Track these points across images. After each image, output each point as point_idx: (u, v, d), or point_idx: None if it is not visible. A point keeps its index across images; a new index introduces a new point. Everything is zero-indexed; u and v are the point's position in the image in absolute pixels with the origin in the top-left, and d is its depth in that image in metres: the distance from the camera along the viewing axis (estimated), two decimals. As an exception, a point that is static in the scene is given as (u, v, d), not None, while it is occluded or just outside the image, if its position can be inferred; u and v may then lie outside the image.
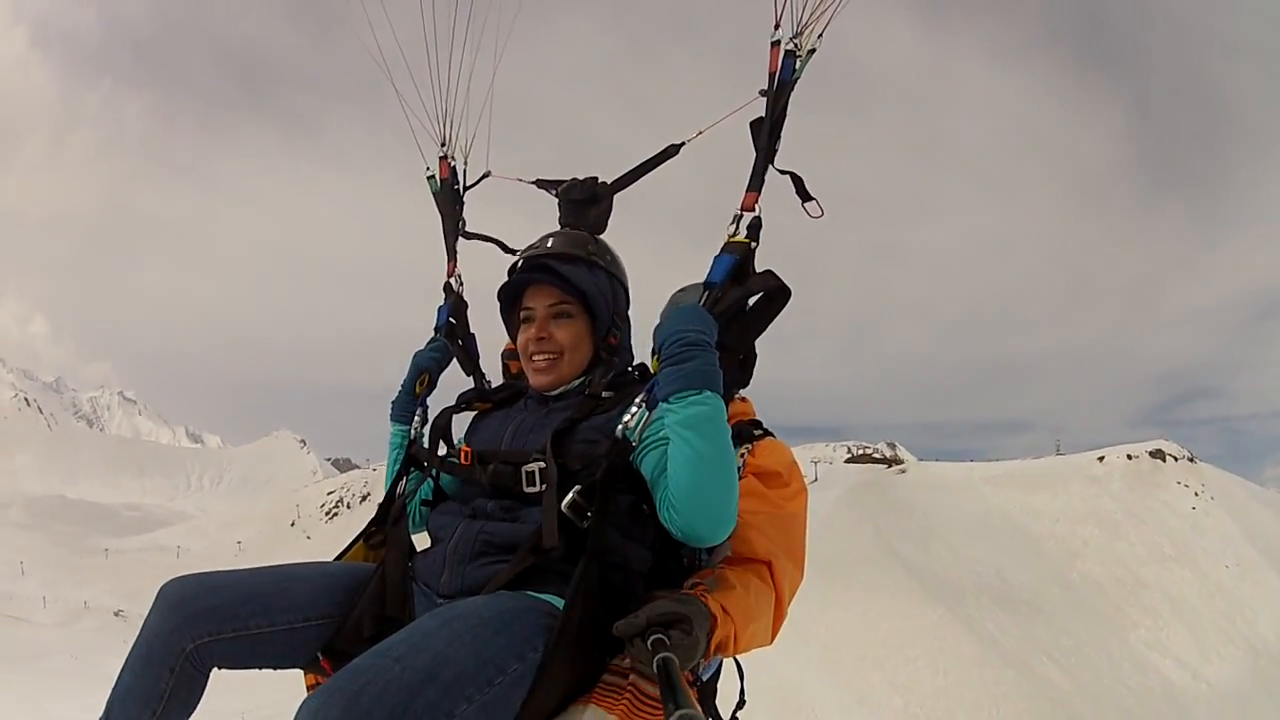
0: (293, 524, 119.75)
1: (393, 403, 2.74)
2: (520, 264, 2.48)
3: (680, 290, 2.81)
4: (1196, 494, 44.20)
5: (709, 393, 1.93)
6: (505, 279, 2.52)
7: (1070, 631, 31.09)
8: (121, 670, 2.08)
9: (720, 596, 2.00)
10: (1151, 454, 46.87)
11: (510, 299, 2.49)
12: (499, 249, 2.94)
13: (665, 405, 1.98)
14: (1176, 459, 47.13)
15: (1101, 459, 46.27)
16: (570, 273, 2.35)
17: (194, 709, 2.11)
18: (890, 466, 49.95)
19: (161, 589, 2.09)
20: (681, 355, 1.97)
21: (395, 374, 2.78)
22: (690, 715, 1.24)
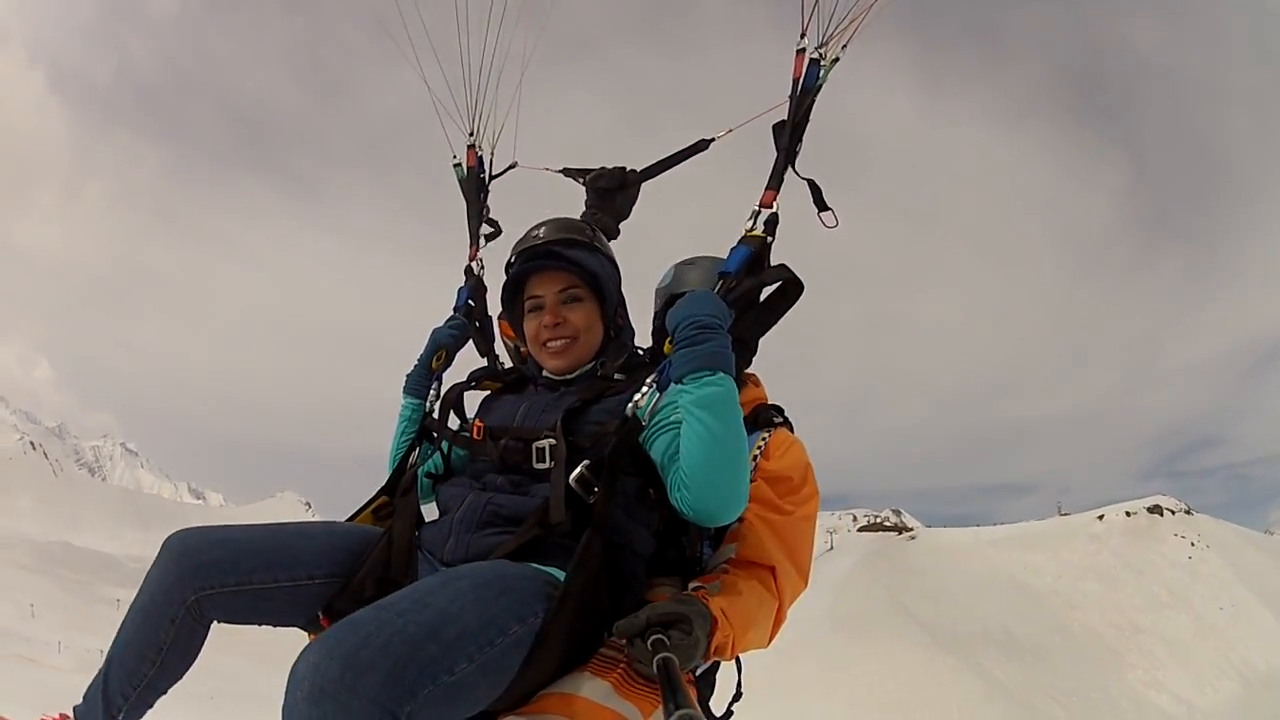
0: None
1: (407, 375, 2.73)
2: (520, 254, 2.42)
3: (685, 262, 2.81)
4: (1193, 544, 47.86)
5: (722, 374, 1.93)
6: (505, 273, 2.48)
7: (1071, 675, 34.83)
8: (122, 622, 2.11)
9: (721, 600, 1.99)
10: (1149, 509, 50.68)
11: (512, 291, 2.42)
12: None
13: (679, 386, 1.96)
14: (1174, 512, 50.85)
15: (1101, 517, 50.11)
16: (577, 256, 2.33)
17: (192, 661, 2.11)
18: (900, 534, 53.57)
19: (166, 540, 2.08)
20: (695, 337, 1.96)
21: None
22: (690, 715, 1.21)
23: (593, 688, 1.76)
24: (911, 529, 58.91)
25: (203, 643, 2.11)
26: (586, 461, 2.03)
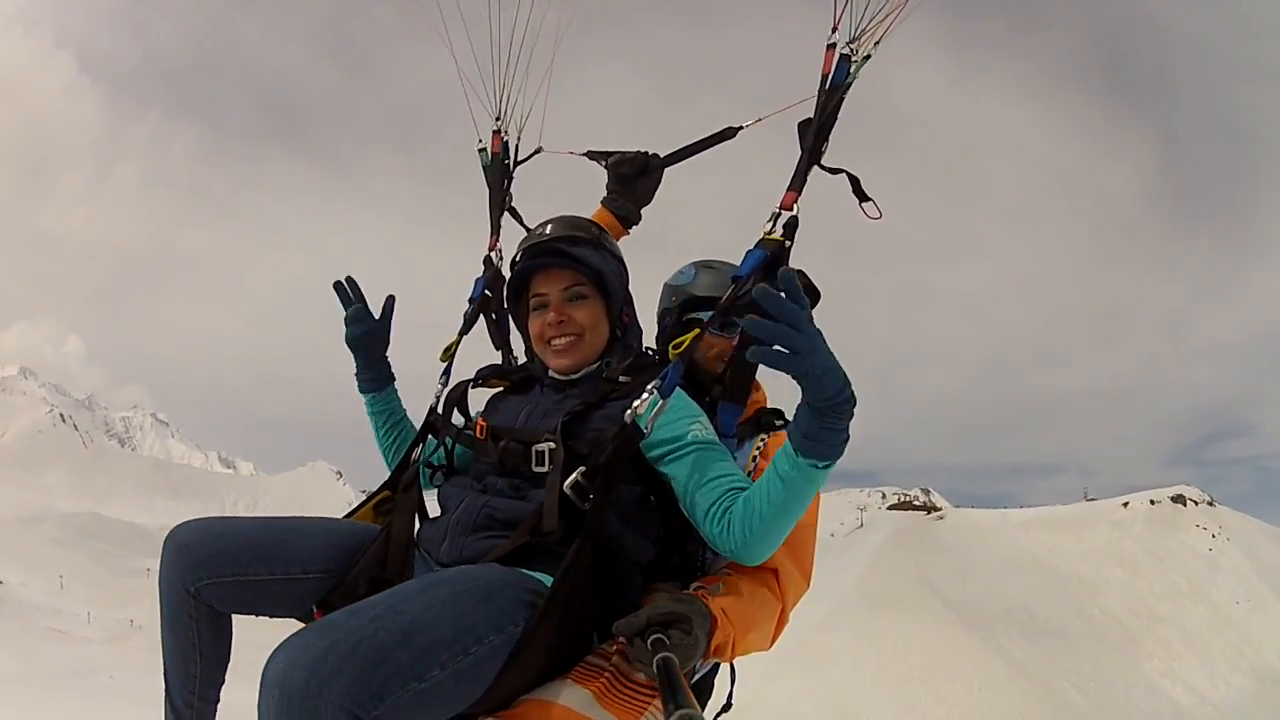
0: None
1: (357, 375, 2.73)
2: (525, 252, 2.38)
3: (704, 263, 2.71)
4: (1214, 535, 48.25)
5: (832, 466, 1.81)
6: (510, 273, 2.43)
7: (1090, 659, 35.57)
8: (160, 638, 2.17)
9: (722, 601, 1.98)
10: (1173, 499, 50.96)
11: (517, 289, 2.39)
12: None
13: (799, 455, 1.78)
14: (1197, 503, 51.15)
15: (1126, 504, 50.41)
16: (582, 254, 2.28)
17: (228, 646, 2.19)
18: (929, 514, 54.27)
19: (168, 535, 2.10)
20: (840, 426, 1.75)
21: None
22: (690, 715, 1.21)
23: (572, 695, 1.75)
24: (940, 509, 59.71)
25: (230, 628, 2.19)
26: (582, 468, 1.99)
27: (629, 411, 2.03)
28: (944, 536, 44.85)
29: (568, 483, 1.98)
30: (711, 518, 1.98)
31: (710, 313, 2.42)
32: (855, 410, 1.77)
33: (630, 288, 2.48)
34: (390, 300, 2.74)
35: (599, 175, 2.92)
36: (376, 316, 2.73)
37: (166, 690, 2.19)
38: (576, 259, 2.28)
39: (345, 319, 2.71)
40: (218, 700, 2.22)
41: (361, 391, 2.75)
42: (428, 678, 1.56)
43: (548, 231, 2.38)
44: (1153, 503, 50.41)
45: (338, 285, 2.73)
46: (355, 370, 2.73)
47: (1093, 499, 56.44)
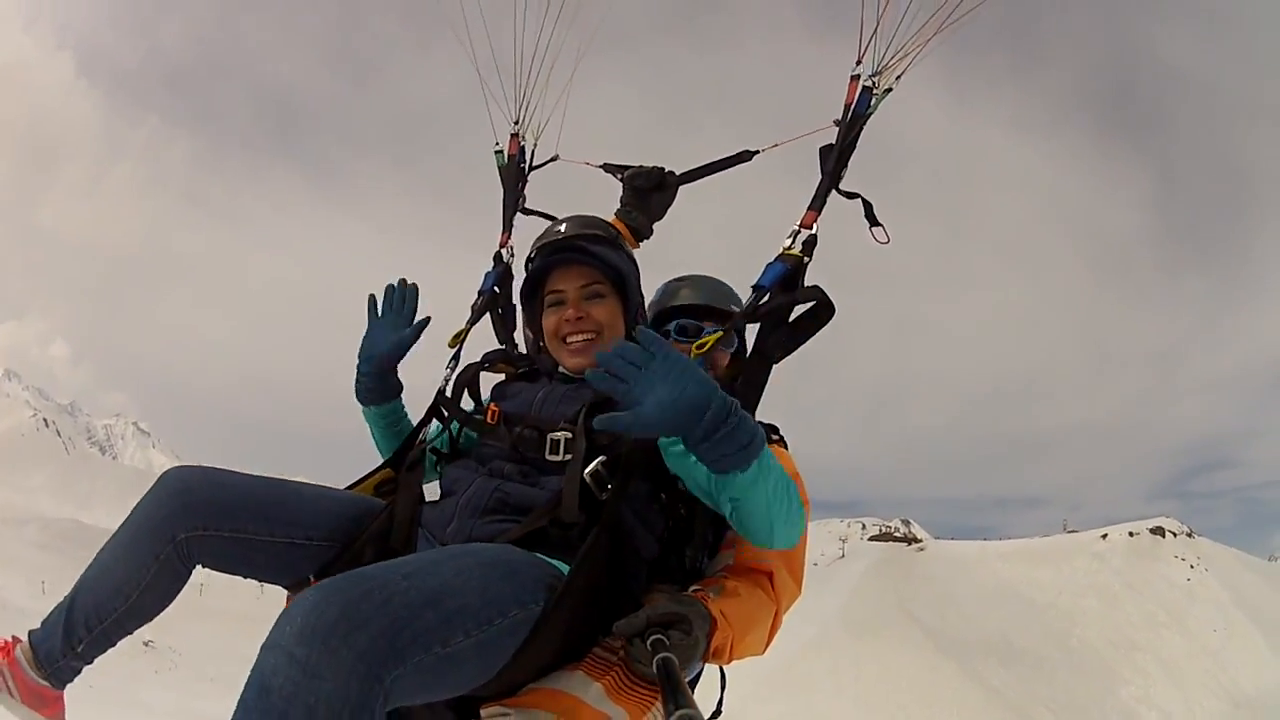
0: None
1: (356, 387, 2.62)
2: (542, 248, 2.40)
3: (675, 279, 2.79)
4: (1192, 566, 48.91)
5: (755, 462, 1.72)
6: (524, 270, 2.45)
7: (1066, 687, 36.29)
8: (100, 551, 2.00)
9: (721, 602, 1.97)
10: (1152, 530, 51.67)
11: (532, 286, 2.39)
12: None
13: (723, 477, 1.75)
14: (1176, 534, 51.87)
15: (1105, 536, 51.04)
16: (602, 253, 2.30)
17: (168, 603, 2.03)
18: (909, 545, 54.82)
19: (163, 474, 2.00)
20: (721, 439, 1.68)
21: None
22: (690, 715, 1.21)
23: (584, 688, 1.75)
24: (920, 540, 60.37)
25: (183, 586, 2.01)
26: (602, 458, 1.99)
27: None
28: (925, 567, 45.81)
29: (587, 471, 1.98)
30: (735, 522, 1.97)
31: (682, 320, 2.69)
32: (735, 415, 1.70)
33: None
34: (426, 321, 2.60)
35: (611, 188, 2.91)
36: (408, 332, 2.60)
37: (72, 600, 2.02)
38: (595, 256, 2.30)
39: (385, 321, 2.58)
40: (114, 644, 2.05)
41: (366, 403, 2.61)
42: (452, 644, 1.53)
43: (563, 229, 2.42)
44: (1131, 534, 51.16)
45: (389, 287, 2.64)
46: (360, 380, 2.59)
47: (1072, 531, 57.07)
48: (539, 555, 1.89)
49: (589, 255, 2.30)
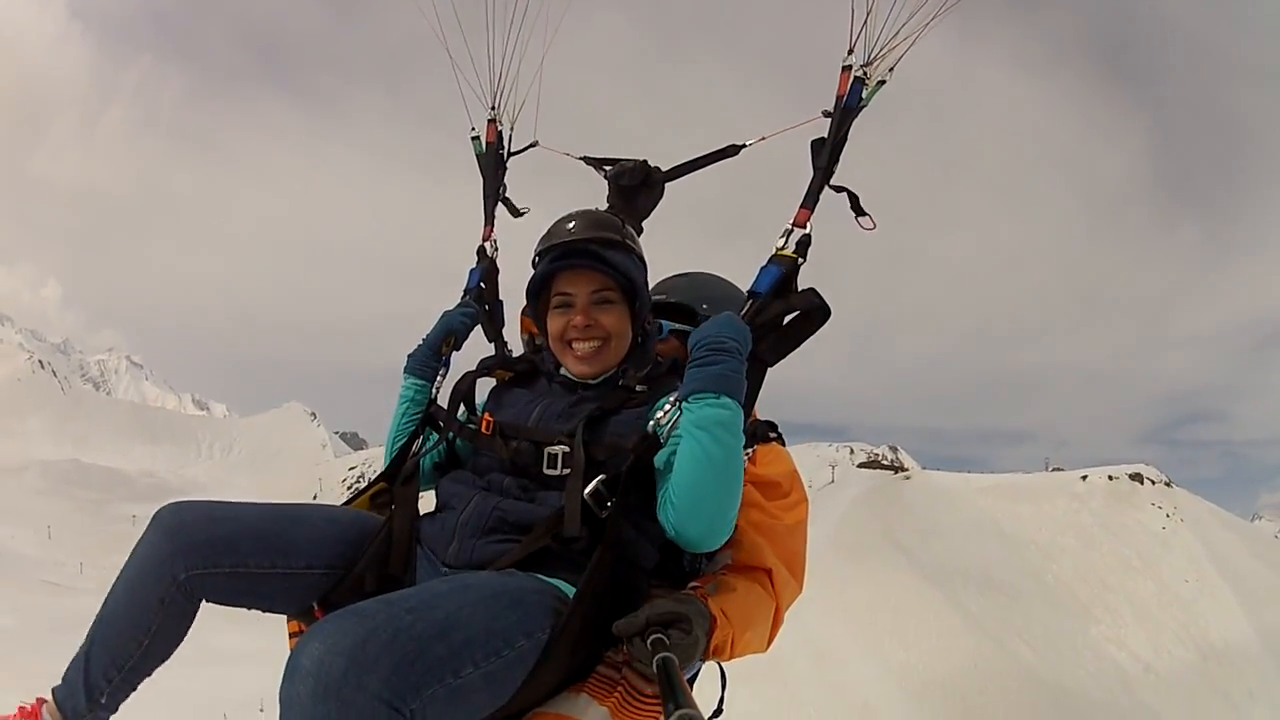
0: (315, 498, 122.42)
1: (410, 355, 2.60)
2: (551, 248, 2.31)
3: (714, 276, 2.82)
4: (1168, 515, 49.53)
5: (726, 398, 1.90)
6: (532, 266, 2.39)
7: (1041, 620, 36.81)
8: (106, 598, 2.00)
9: (720, 600, 1.98)
10: (1131, 476, 52.19)
11: (540, 284, 2.34)
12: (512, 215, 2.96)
13: (684, 404, 1.94)
14: (1154, 482, 52.41)
15: (1085, 478, 51.58)
16: (614, 259, 2.24)
17: (180, 642, 2.03)
18: (896, 473, 55.60)
19: (158, 513, 1.98)
20: (708, 359, 1.93)
21: (402, 356, 2.62)
22: (690, 715, 1.22)
23: (589, 711, 1.75)
24: (907, 469, 60.83)
25: (192, 622, 2.01)
26: (602, 476, 2.00)
27: (652, 422, 2.05)
28: (910, 496, 46.04)
29: (588, 490, 1.98)
30: (660, 502, 2.00)
31: (667, 323, 2.68)
32: (719, 349, 1.95)
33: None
34: (488, 313, 2.81)
35: (593, 178, 2.86)
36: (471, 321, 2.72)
37: (87, 652, 1.99)
38: (607, 262, 2.24)
39: (464, 305, 2.74)
40: (136, 688, 2.04)
41: (410, 372, 2.60)
42: (463, 675, 1.55)
43: (572, 229, 2.31)
44: (1111, 478, 51.56)
45: (477, 292, 2.82)
46: (418, 351, 2.61)
47: (1057, 469, 57.70)
48: (540, 577, 1.92)
49: (600, 261, 2.25)
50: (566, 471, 2.04)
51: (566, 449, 2.07)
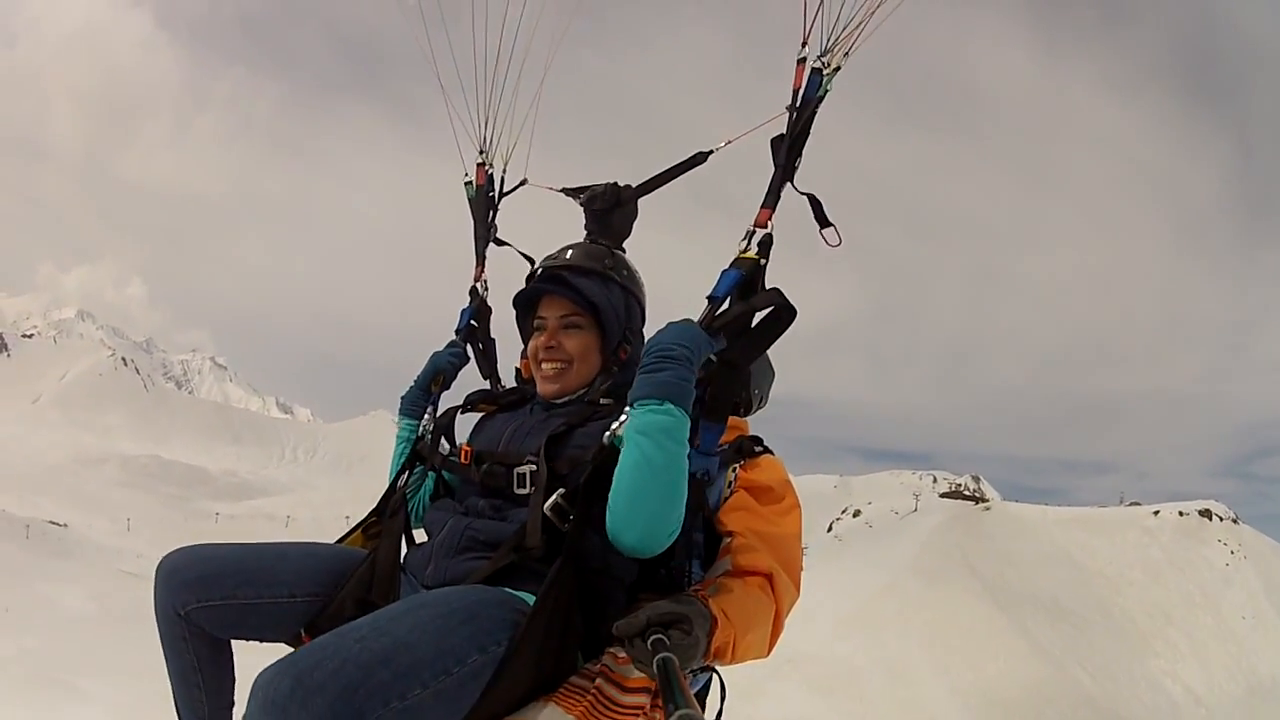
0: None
1: (403, 397, 2.70)
2: (537, 273, 2.46)
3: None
4: (1232, 552, 49.98)
5: (670, 404, 1.88)
6: (522, 286, 2.48)
7: (1103, 650, 39.39)
8: (165, 660, 2.18)
9: (721, 601, 1.96)
10: (1200, 513, 52.82)
11: (526, 306, 2.46)
12: (523, 258, 2.86)
13: (629, 410, 1.94)
14: (1222, 519, 53.03)
15: (1156, 513, 52.69)
16: (583, 285, 2.32)
17: (230, 669, 2.21)
18: (977, 504, 57.58)
19: (159, 563, 2.13)
20: (655, 365, 1.92)
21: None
22: (690, 715, 1.21)
23: (554, 719, 1.76)
24: (988, 500, 62.78)
25: (229, 650, 2.21)
26: (561, 490, 2.02)
27: (608, 434, 2.02)
28: (989, 526, 48.32)
29: (548, 504, 2.00)
30: (608, 508, 1.97)
31: None
32: (666, 356, 1.94)
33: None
34: (468, 359, 2.87)
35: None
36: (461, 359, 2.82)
37: (178, 714, 2.22)
38: (575, 289, 2.33)
39: (452, 345, 2.85)
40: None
41: (402, 413, 2.72)
42: (410, 696, 1.58)
43: (566, 257, 2.44)
44: (1181, 514, 52.31)
45: (468, 331, 2.89)
46: (409, 392, 2.74)
47: (1134, 504, 58.84)
48: (507, 590, 1.95)
49: (568, 287, 2.34)
50: (535, 488, 2.08)
51: (534, 466, 2.11)
